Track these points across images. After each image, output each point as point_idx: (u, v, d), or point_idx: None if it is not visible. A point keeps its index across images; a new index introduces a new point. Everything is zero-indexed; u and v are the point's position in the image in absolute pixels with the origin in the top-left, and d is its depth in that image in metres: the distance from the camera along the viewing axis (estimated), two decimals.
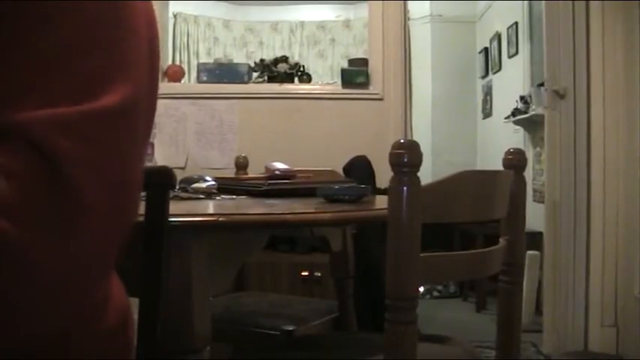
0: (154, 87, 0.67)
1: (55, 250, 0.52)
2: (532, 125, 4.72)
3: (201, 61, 6.44)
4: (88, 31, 0.58)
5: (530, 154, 4.69)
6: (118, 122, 0.58)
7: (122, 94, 0.58)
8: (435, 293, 5.11)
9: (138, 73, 0.61)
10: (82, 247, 0.55)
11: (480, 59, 6.28)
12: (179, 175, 1.29)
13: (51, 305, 0.55)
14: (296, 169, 1.99)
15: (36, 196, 0.52)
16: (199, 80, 3.73)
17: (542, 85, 3.87)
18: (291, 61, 3.78)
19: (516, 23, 5.18)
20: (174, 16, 6.78)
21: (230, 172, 2.60)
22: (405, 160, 1.09)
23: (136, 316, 1.00)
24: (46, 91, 0.55)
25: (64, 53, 0.56)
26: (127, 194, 0.60)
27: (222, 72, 3.70)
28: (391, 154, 1.11)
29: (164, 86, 3.66)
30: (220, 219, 1.27)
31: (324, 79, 6.29)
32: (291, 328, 1.89)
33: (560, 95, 3.36)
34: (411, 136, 3.76)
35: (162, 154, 3.52)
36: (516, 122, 4.93)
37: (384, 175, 2.58)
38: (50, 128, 0.53)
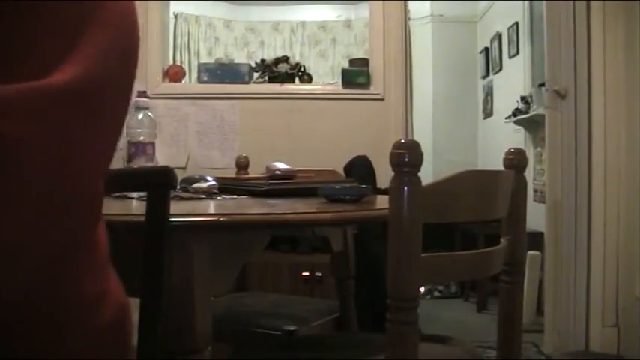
0: (125, 81, 0.64)
1: None
2: (533, 125, 4.72)
3: (202, 61, 6.44)
4: (49, 20, 0.56)
5: (530, 154, 4.69)
6: (65, 100, 0.55)
7: (73, 74, 0.56)
8: (436, 293, 5.11)
9: (97, 60, 0.58)
10: (17, 230, 0.52)
11: (480, 59, 6.28)
12: (180, 175, 1.29)
13: None
14: (297, 169, 1.99)
15: None
16: (200, 80, 3.73)
17: (542, 85, 3.87)
18: (292, 61, 3.78)
19: (517, 23, 5.18)
20: (175, 16, 6.78)
21: (231, 172, 2.60)
22: (406, 160, 1.09)
23: (136, 316, 1.00)
24: None
25: (18, 37, 0.54)
26: (74, 179, 0.57)
27: (223, 72, 3.70)
28: (392, 154, 1.11)
29: (165, 86, 3.66)
30: (221, 219, 1.27)
31: (325, 79, 6.29)
32: (292, 328, 1.89)
33: (560, 95, 3.36)
34: (412, 136, 3.76)
35: (163, 154, 3.52)
36: (517, 122, 4.93)
37: (384, 175, 2.58)
38: None
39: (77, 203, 0.59)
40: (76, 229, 0.61)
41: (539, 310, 3.90)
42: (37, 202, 0.53)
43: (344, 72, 3.71)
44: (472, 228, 4.65)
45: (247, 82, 3.68)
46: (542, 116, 3.70)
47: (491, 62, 5.96)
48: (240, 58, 6.62)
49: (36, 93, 0.53)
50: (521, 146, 4.64)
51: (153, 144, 1.91)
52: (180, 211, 1.33)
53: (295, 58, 5.88)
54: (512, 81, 5.29)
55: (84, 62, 0.57)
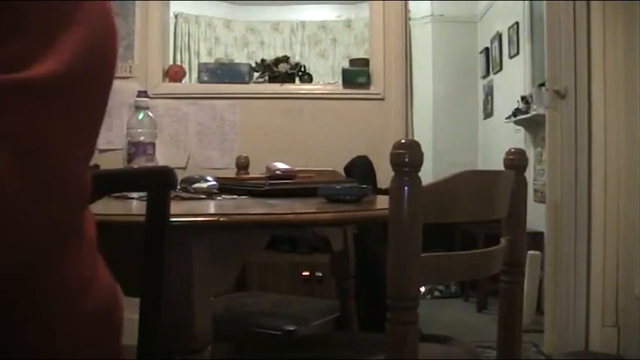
0: (102, 77, 0.66)
1: None
2: (533, 125, 4.72)
3: (202, 61, 6.44)
4: (25, 15, 0.57)
5: (531, 154, 4.69)
6: (46, 99, 0.57)
7: (51, 69, 0.57)
8: (436, 293, 5.11)
9: (73, 56, 0.60)
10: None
11: (480, 59, 6.28)
12: (180, 175, 1.29)
13: None
14: (297, 169, 1.99)
15: None
16: (200, 80, 3.73)
17: (543, 85, 3.87)
18: (292, 61, 3.78)
19: (517, 23, 5.18)
20: (175, 16, 6.79)
21: (231, 172, 2.60)
22: (406, 160, 1.09)
23: (136, 316, 1.00)
24: None
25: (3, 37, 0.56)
26: (51, 168, 0.58)
27: (223, 72, 3.70)
28: (392, 154, 1.11)
29: (165, 86, 3.66)
30: (221, 219, 1.27)
31: (325, 79, 6.29)
32: (292, 328, 1.89)
33: (561, 95, 3.36)
34: (412, 136, 3.76)
35: (163, 154, 3.51)
36: (517, 122, 4.93)
37: (385, 175, 2.58)
38: None
39: (58, 190, 0.59)
40: (61, 214, 0.61)
41: (539, 310, 3.91)
42: (15, 190, 0.54)
43: (344, 72, 3.72)
44: (472, 228, 4.65)
45: (247, 82, 3.69)
46: (543, 116, 3.70)
47: (491, 62, 5.96)
48: (240, 58, 6.62)
49: (13, 85, 0.54)
50: (522, 146, 4.64)
51: (153, 144, 1.91)
52: (181, 211, 1.33)
53: (295, 58, 5.88)
54: (513, 81, 5.29)
55: (60, 58, 0.58)
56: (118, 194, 1.59)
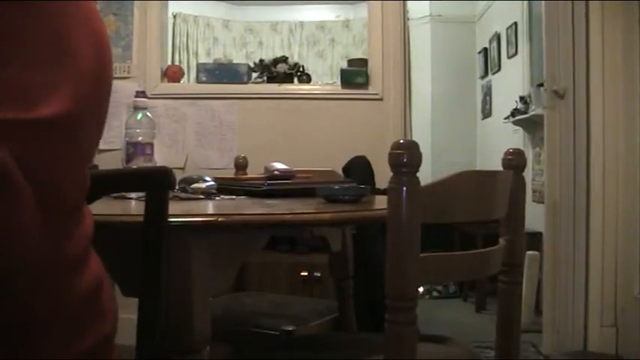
0: (101, 104, 0.75)
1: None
2: (531, 125, 4.72)
3: (200, 61, 6.44)
4: (31, 48, 0.65)
5: (529, 155, 4.69)
6: (50, 134, 0.66)
7: (58, 109, 0.65)
8: (435, 293, 5.11)
9: (78, 90, 0.68)
10: (15, 220, 0.62)
11: (479, 59, 6.29)
12: (178, 176, 1.29)
13: None
14: (295, 169, 1.99)
15: None
16: (199, 80, 3.73)
17: (541, 85, 3.87)
18: (291, 61, 3.78)
19: (515, 23, 5.18)
20: (174, 16, 6.79)
21: (229, 173, 2.60)
22: (405, 160, 1.09)
23: (135, 316, 1.00)
24: None
25: (3, 65, 0.62)
26: (58, 184, 0.68)
27: (222, 72, 3.70)
28: (390, 155, 1.11)
29: (163, 86, 3.66)
30: (220, 219, 1.27)
31: (324, 79, 6.30)
32: (290, 329, 1.89)
33: (559, 95, 3.36)
34: (411, 136, 3.77)
35: (161, 154, 3.51)
36: (516, 122, 4.93)
37: (383, 176, 2.58)
38: None
39: (60, 200, 0.70)
40: (61, 212, 0.71)
41: (538, 310, 3.91)
42: (27, 208, 0.64)
43: (343, 72, 3.72)
44: (471, 228, 4.65)
45: (246, 83, 3.68)
46: (541, 116, 3.70)
47: (489, 62, 5.97)
48: (238, 58, 6.62)
49: (27, 123, 0.63)
50: (520, 146, 4.64)
51: (151, 144, 1.91)
52: (179, 211, 1.33)
53: (294, 58, 5.88)
54: (511, 81, 5.29)
55: (68, 96, 0.67)
56: (116, 194, 1.59)
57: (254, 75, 3.73)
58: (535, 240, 4.08)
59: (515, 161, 1.41)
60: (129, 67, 3.60)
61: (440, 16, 6.37)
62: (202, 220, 1.28)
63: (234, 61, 4.18)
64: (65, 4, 0.69)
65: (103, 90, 0.75)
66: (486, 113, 6.09)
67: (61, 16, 0.68)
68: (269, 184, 1.80)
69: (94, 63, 0.72)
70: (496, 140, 5.70)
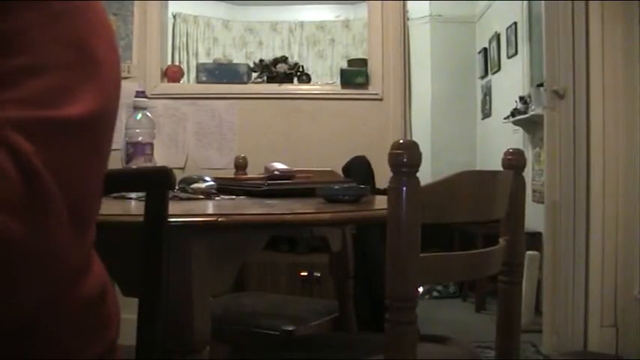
0: (117, 108, 0.74)
1: (31, 233, 0.58)
2: (531, 125, 4.72)
3: (200, 61, 6.44)
4: (58, 48, 0.64)
5: (529, 155, 4.69)
6: (79, 134, 0.64)
7: (86, 108, 0.65)
8: (435, 293, 5.11)
9: (106, 90, 0.68)
10: (46, 229, 0.60)
11: (479, 59, 6.28)
12: (178, 176, 1.29)
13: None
14: (295, 169, 1.99)
15: (9, 188, 0.57)
16: (199, 80, 3.73)
17: (541, 85, 3.87)
18: (291, 61, 3.78)
19: (515, 23, 5.18)
20: (174, 16, 6.79)
21: (229, 173, 2.60)
22: (405, 160, 1.09)
23: (135, 316, 1.00)
24: (14, 97, 0.60)
25: (31, 67, 0.62)
26: (78, 189, 0.65)
27: (222, 72, 3.70)
28: (390, 155, 1.11)
29: (163, 86, 3.66)
30: (220, 219, 1.27)
31: (324, 79, 6.29)
32: (290, 329, 1.89)
33: (559, 95, 3.36)
34: (411, 136, 3.77)
35: (161, 154, 3.50)
36: (516, 122, 4.93)
37: (383, 176, 2.58)
38: (13, 129, 0.59)
39: (79, 210, 0.66)
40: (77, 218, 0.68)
41: (538, 310, 3.91)
42: (57, 212, 0.61)
43: (342, 72, 3.72)
44: (471, 228, 4.65)
45: (246, 83, 3.68)
46: (541, 116, 3.70)
47: (489, 62, 5.97)
48: (238, 58, 6.62)
49: (55, 124, 0.62)
50: (520, 146, 4.64)
51: (151, 144, 1.91)
52: (179, 211, 1.33)
53: (294, 58, 5.89)
54: (511, 81, 5.29)
55: (96, 95, 0.67)
56: (116, 194, 1.59)
57: (254, 75, 3.73)
58: (535, 240, 4.08)
59: (515, 161, 1.41)
60: (129, 67, 3.60)
61: (440, 16, 6.37)
62: (202, 220, 1.28)
63: (234, 61, 4.18)
64: (85, 6, 0.69)
65: (119, 93, 0.75)
66: (486, 113, 6.09)
67: (80, 18, 0.68)
68: (269, 184, 1.80)
69: (113, 66, 0.72)
70: (496, 140, 5.70)
